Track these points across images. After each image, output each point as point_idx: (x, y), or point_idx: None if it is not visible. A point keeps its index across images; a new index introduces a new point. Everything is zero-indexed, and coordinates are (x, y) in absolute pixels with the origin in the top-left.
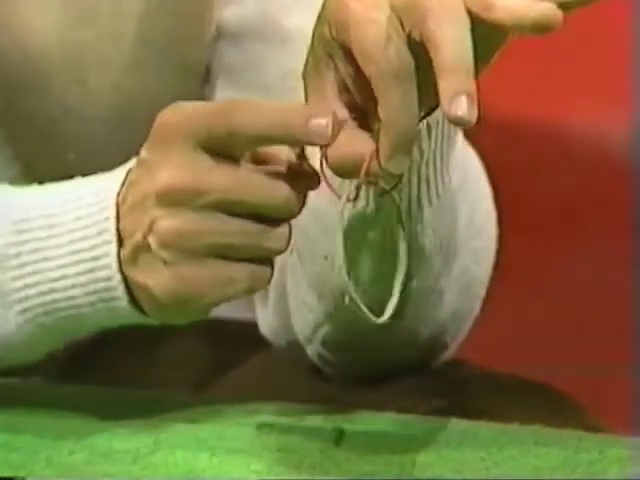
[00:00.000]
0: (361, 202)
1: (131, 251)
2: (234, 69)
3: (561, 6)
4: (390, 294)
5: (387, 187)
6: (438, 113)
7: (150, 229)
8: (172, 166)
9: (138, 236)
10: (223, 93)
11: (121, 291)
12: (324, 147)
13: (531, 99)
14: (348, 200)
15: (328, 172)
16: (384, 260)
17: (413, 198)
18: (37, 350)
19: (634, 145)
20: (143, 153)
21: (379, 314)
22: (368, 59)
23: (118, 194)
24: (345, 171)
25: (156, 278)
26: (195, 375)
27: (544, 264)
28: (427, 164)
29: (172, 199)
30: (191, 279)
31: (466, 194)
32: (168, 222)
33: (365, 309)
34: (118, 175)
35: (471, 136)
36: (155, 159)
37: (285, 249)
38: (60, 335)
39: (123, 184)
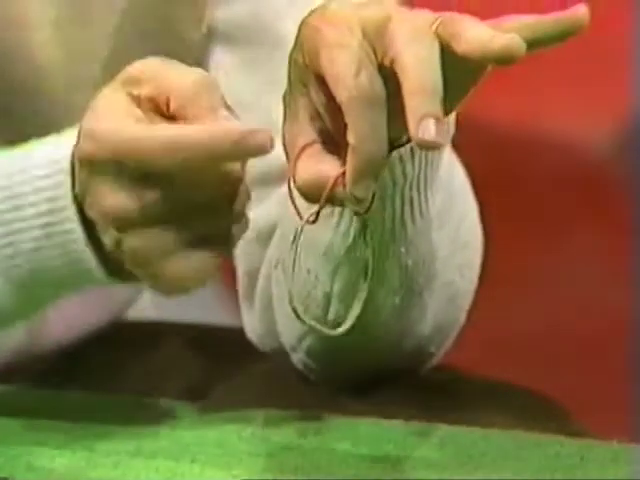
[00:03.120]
0: (335, 222)
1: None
2: (223, 72)
3: (529, 45)
4: (369, 308)
5: (358, 210)
6: None
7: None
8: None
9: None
10: None
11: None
12: (292, 169)
13: (517, 107)
14: (307, 222)
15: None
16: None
17: (397, 218)
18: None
19: (622, 150)
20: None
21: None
22: (339, 84)
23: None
24: (311, 194)
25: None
26: (180, 382)
27: (531, 270)
28: (411, 187)
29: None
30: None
31: (451, 211)
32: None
33: (314, 324)
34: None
35: (457, 145)
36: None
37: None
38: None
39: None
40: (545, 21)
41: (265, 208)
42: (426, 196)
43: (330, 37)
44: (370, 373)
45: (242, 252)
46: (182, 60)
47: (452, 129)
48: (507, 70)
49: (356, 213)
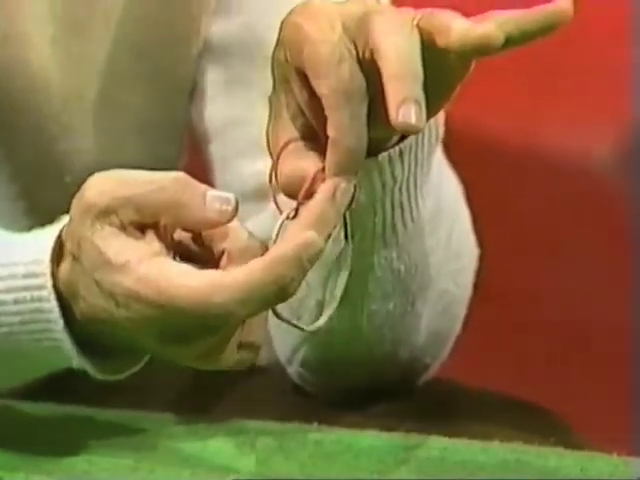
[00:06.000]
0: None
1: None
2: (219, 86)
3: (514, 39)
4: (362, 314)
5: None
6: (410, 140)
7: None
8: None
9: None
10: (210, 111)
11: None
12: (274, 165)
13: (512, 115)
14: (287, 218)
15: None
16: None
17: (387, 222)
18: None
19: (624, 162)
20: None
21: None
22: (320, 78)
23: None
24: (292, 190)
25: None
26: (178, 395)
27: (528, 281)
28: (401, 190)
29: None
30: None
31: (442, 217)
32: None
33: (289, 319)
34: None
35: (454, 155)
36: None
37: None
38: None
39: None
40: (529, 15)
41: (259, 222)
42: (416, 200)
43: (311, 33)
44: (366, 384)
45: None
46: (180, 76)
47: (441, 130)
48: (507, 80)
49: None
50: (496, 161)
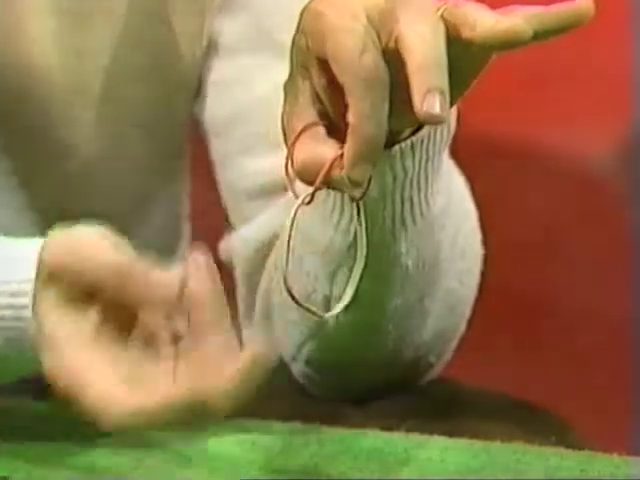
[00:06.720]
0: (336, 220)
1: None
2: (223, 84)
3: (535, 36)
4: (369, 310)
5: (354, 195)
6: (423, 133)
7: None
8: None
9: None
10: (213, 109)
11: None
12: (290, 150)
13: (512, 115)
14: (303, 203)
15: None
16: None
17: (397, 216)
18: None
19: (624, 163)
20: None
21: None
22: (343, 67)
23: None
24: (308, 175)
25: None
26: None
27: (529, 280)
28: (411, 183)
29: None
30: None
31: (450, 216)
32: None
33: (307, 305)
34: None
35: (456, 153)
36: None
37: None
38: None
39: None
40: (550, 12)
41: (264, 219)
42: (426, 195)
43: (335, 22)
44: (370, 383)
45: (243, 271)
46: (183, 73)
47: (453, 126)
48: (507, 80)
49: (351, 199)
50: (496, 161)
